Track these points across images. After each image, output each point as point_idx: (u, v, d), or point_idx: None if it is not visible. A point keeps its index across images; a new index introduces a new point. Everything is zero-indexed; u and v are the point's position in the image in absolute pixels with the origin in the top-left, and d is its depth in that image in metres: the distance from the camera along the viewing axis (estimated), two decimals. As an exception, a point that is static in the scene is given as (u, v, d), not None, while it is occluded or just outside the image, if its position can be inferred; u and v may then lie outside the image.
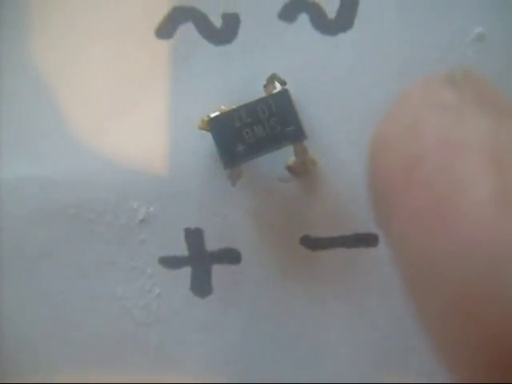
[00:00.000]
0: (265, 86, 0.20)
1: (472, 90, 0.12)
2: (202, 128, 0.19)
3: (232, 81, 0.20)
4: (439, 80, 0.12)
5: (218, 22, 0.21)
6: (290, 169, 0.20)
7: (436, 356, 0.11)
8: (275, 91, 0.19)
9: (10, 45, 0.20)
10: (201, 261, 0.20)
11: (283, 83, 0.19)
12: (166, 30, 0.21)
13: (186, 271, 0.20)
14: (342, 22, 0.20)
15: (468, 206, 0.10)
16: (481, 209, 0.10)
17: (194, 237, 0.20)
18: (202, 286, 0.20)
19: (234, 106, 0.19)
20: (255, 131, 0.18)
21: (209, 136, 0.19)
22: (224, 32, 0.21)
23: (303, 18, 0.21)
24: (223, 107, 0.19)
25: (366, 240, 0.19)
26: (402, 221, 0.11)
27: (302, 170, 0.20)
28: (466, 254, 0.10)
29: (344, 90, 0.20)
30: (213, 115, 0.19)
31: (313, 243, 0.20)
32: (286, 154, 0.19)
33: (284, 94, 0.18)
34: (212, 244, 0.20)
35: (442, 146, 0.11)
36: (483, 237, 0.10)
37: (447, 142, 0.11)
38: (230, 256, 0.20)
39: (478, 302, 0.10)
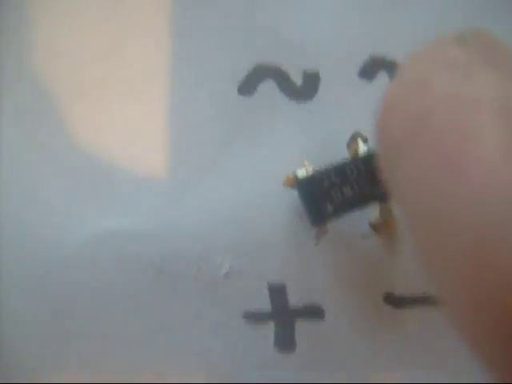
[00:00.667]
0: (348, 145, 0.20)
1: (481, 49, 0.12)
2: (286, 185, 0.20)
3: (313, 137, 0.21)
4: (449, 40, 0.12)
5: (298, 80, 0.21)
6: (373, 226, 0.20)
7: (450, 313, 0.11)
8: (360, 150, 0.19)
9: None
10: (284, 316, 0.20)
11: (365, 140, 0.20)
12: (247, 87, 0.21)
13: (270, 326, 0.20)
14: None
15: (477, 157, 0.10)
16: (490, 159, 0.10)
17: (278, 292, 0.20)
18: (285, 341, 0.20)
19: (315, 162, 0.19)
20: (343, 191, 0.18)
21: (292, 192, 0.20)
22: (304, 89, 0.21)
23: (382, 76, 0.21)
24: (306, 163, 0.20)
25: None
26: (412, 175, 0.11)
27: (385, 228, 0.20)
28: (477, 200, 0.10)
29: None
30: (300, 175, 0.19)
31: (396, 301, 0.20)
32: (368, 211, 0.20)
33: (372, 155, 0.19)
34: (295, 299, 0.20)
35: (451, 101, 0.11)
36: (493, 183, 0.10)
37: (456, 97, 0.11)
38: (314, 312, 0.20)
39: (491, 246, 0.10)
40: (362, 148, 0.20)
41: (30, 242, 0.20)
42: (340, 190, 0.18)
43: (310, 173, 0.19)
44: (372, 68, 0.21)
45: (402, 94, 0.12)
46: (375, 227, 0.20)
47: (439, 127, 0.11)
